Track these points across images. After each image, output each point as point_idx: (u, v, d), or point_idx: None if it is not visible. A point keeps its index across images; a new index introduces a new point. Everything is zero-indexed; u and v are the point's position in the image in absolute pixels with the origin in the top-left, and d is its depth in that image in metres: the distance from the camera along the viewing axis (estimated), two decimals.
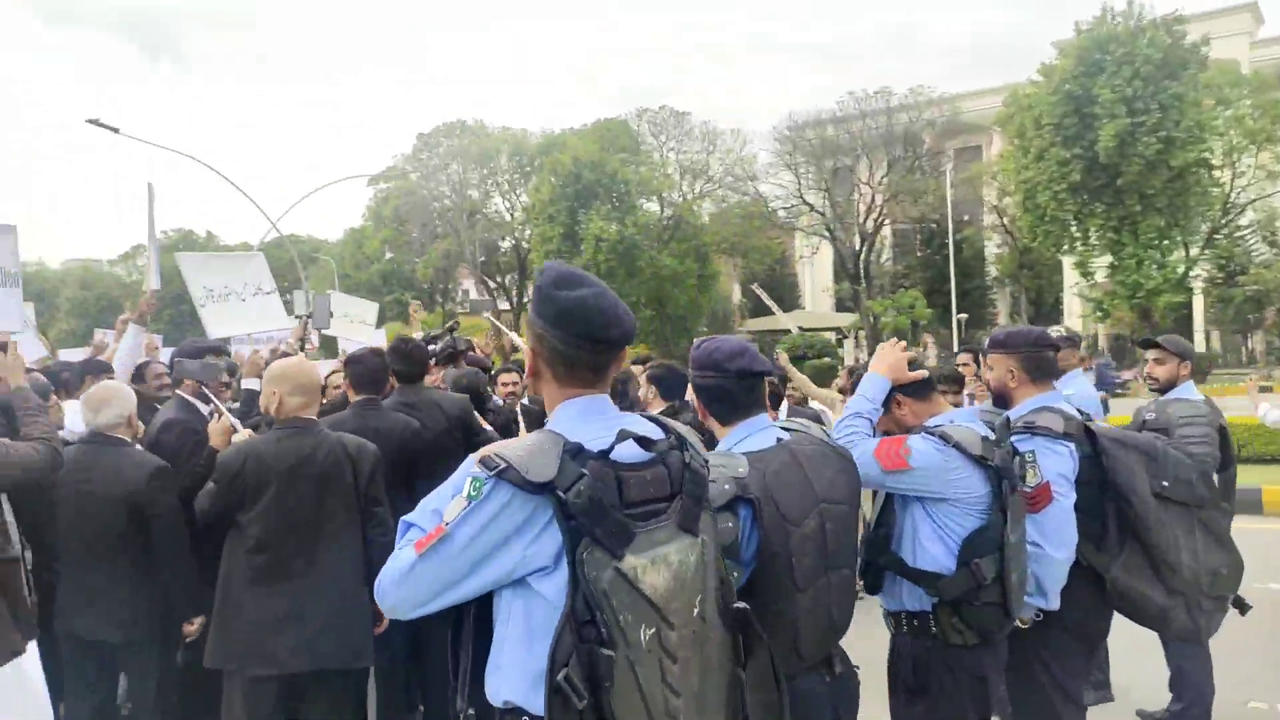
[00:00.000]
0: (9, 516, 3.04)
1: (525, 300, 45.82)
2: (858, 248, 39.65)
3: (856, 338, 33.39)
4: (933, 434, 2.41)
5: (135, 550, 3.43)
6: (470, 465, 1.53)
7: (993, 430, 2.46)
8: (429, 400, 4.13)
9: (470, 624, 1.59)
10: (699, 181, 41.11)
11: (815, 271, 48.58)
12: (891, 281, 42.19)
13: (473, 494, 1.48)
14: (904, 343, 2.72)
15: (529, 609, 1.50)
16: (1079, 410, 2.94)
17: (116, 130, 19.70)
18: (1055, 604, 2.70)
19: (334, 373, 4.87)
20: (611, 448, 1.53)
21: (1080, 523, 2.71)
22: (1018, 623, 2.65)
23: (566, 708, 1.40)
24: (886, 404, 2.61)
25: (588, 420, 1.61)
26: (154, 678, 3.55)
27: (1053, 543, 2.63)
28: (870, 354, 3.84)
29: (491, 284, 48.57)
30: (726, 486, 1.96)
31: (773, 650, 1.74)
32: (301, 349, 5.46)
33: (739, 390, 2.21)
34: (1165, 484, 2.73)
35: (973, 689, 2.44)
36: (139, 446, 3.65)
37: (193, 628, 3.47)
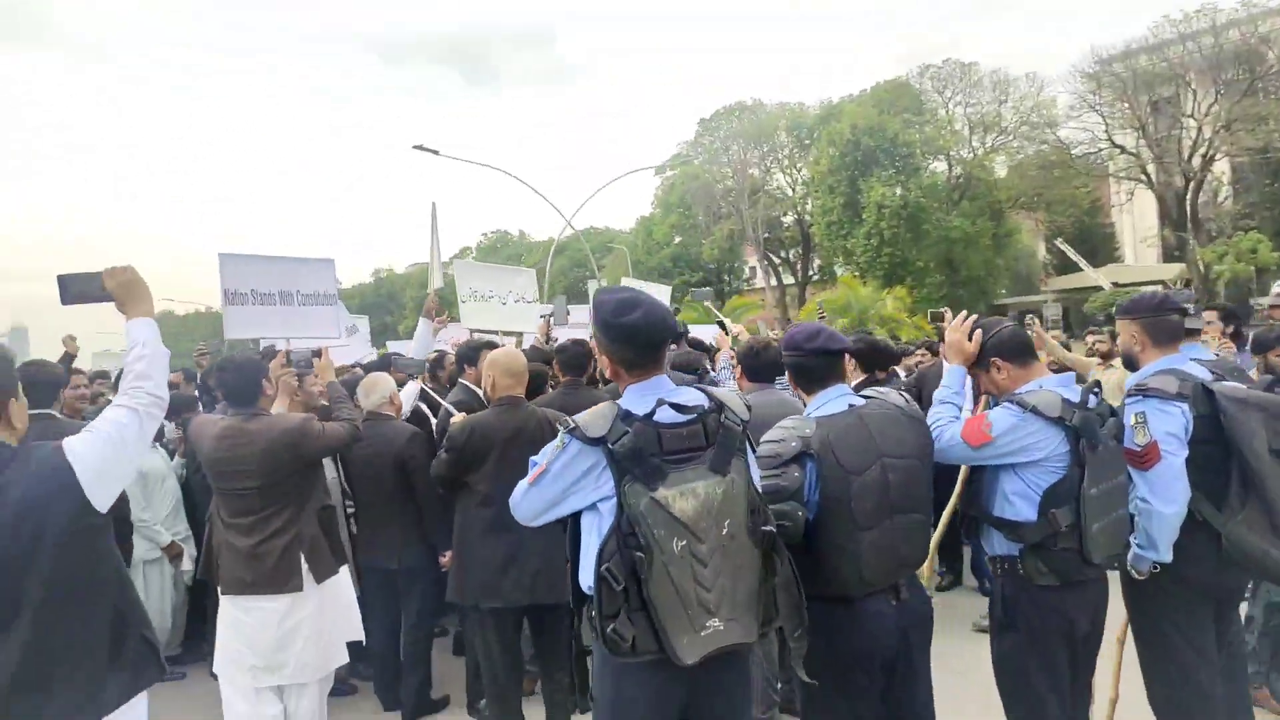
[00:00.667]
0: (330, 474, 4.16)
1: (810, 275, 45.80)
2: (1182, 189, 34.99)
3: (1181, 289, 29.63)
4: (1014, 402, 2.69)
5: (404, 498, 4.50)
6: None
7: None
8: (588, 397, 4.63)
9: (569, 535, 2.27)
10: (990, 135, 38.53)
11: (1136, 220, 43.54)
12: (1233, 223, 36.69)
13: (560, 445, 2.19)
14: (970, 316, 2.95)
15: (599, 525, 2.14)
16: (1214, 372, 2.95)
17: (437, 152, 22.73)
18: (1167, 556, 2.84)
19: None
20: (653, 412, 2.18)
21: (1201, 480, 2.81)
22: (1134, 574, 2.87)
23: (610, 592, 2.05)
24: (987, 367, 2.88)
25: (643, 395, 2.26)
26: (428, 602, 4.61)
27: (1161, 498, 2.79)
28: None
29: (775, 259, 49.04)
30: (794, 444, 2.49)
31: (839, 572, 2.39)
32: (546, 343, 6.36)
33: (816, 365, 2.72)
34: None
35: (1059, 627, 2.69)
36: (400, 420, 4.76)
37: (445, 559, 4.40)
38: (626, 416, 2.17)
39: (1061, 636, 2.70)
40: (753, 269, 49.18)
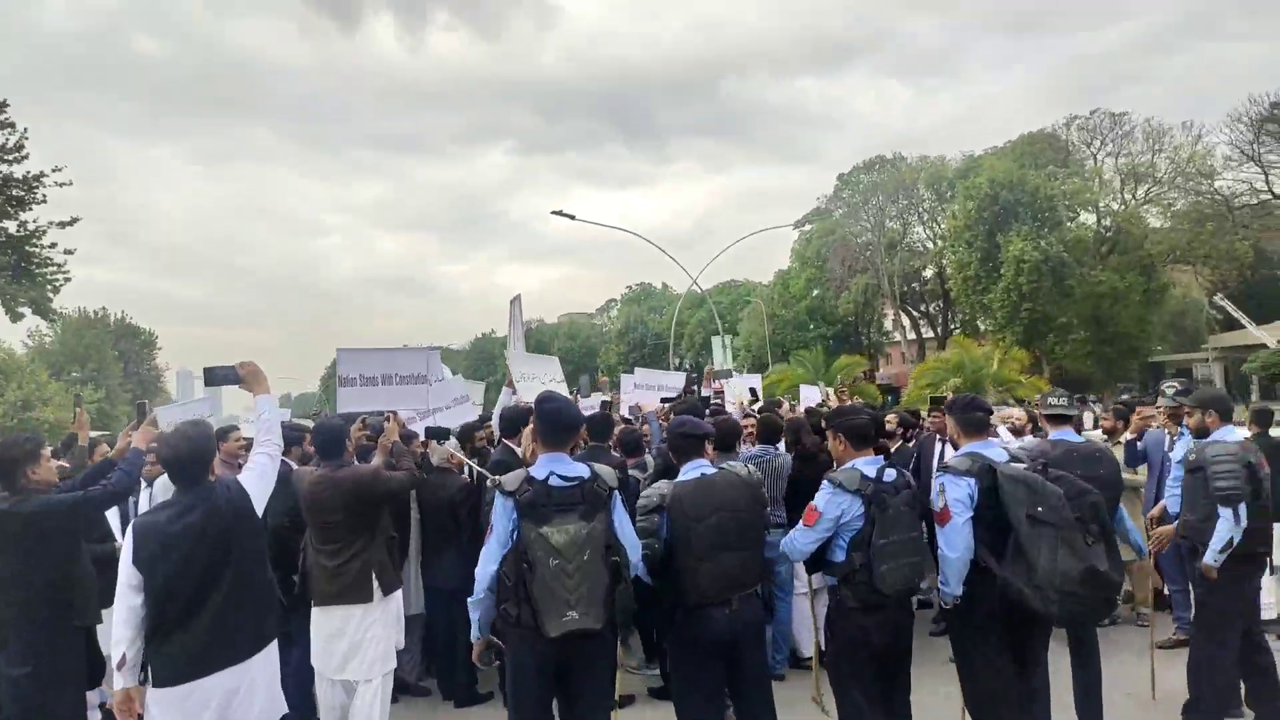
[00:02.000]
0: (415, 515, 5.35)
1: (951, 329, 44.97)
2: None
3: None
4: (831, 481, 3.71)
5: (456, 532, 5.65)
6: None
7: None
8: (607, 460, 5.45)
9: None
10: (1142, 186, 37.14)
11: None
12: None
13: (497, 497, 3.39)
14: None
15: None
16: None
17: (573, 217, 24.56)
18: (957, 590, 3.71)
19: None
20: (547, 478, 3.29)
21: (986, 536, 3.63)
22: (941, 604, 3.80)
23: (505, 586, 3.27)
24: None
25: (549, 465, 3.41)
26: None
27: (948, 547, 3.68)
28: None
29: (914, 313, 48.49)
30: (655, 500, 3.70)
31: (684, 588, 3.56)
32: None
33: (680, 445, 3.90)
34: (1039, 509, 3.46)
35: (861, 639, 3.68)
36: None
37: None
38: (530, 480, 3.34)
39: (863, 647, 3.68)
40: (890, 320, 48.82)
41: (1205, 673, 4.52)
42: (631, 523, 3.62)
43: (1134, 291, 34.40)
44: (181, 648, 3.31)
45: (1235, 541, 4.29)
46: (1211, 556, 4.32)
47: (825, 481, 3.73)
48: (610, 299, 79.62)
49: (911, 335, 48.15)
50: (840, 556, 3.67)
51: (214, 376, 3.90)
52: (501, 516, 3.34)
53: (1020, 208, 34.34)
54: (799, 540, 3.75)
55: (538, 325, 77.44)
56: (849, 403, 7.51)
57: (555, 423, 3.54)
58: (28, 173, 26.41)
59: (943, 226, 42.54)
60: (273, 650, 3.59)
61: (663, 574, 3.63)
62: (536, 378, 7.16)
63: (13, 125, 25.93)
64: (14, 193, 26.34)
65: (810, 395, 11.38)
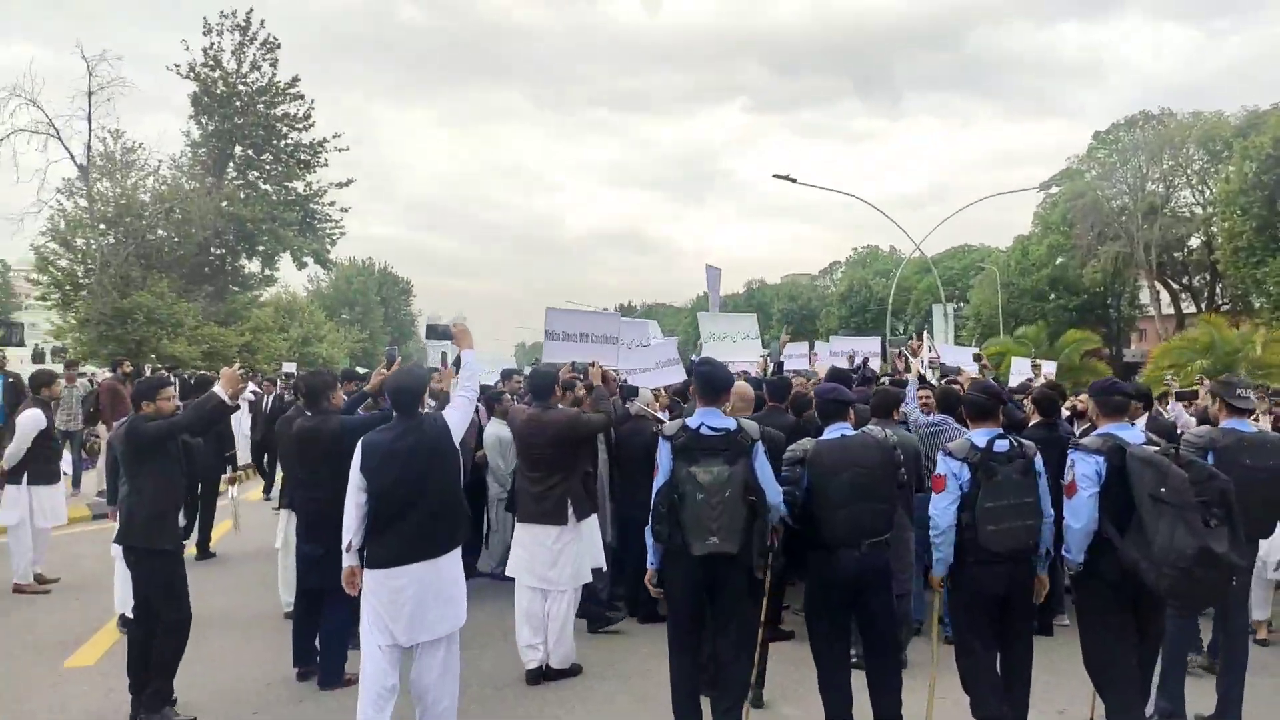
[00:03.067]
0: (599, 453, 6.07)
1: (1219, 304, 40.40)
2: None
3: None
4: (944, 450, 4.19)
5: (649, 472, 6.16)
6: None
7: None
8: (784, 421, 6.06)
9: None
10: None
11: None
12: None
13: (660, 440, 4.15)
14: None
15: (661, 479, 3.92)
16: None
17: (794, 180, 24.57)
18: (1079, 558, 3.95)
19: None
20: (699, 427, 3.89)
21: (1111, 511, 3.78)
22: (1068, 570, 4.07)
23: (659, 513, 3.92)
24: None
25: (702, 417, 4.10)
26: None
27: (1072, 517, 3.92)
28: None
29: (1176, 286, 43.91)
30: (798, 453, 4.28)
31: (820, 531, 4.10)
32: (766, 375, 7.90)
33: (826, 409, 4.48)
34: (1162, 489, 3.55)
35: (975, 588, 4.08)
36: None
37: None
38: (685, 428, 4.02)
39: (976, 595, 4.08)
40: (1151, 294, 44.40)
41: None
42: (775, 472, 4.12)
43: None
44: (393, 539, 4.15)
45: None
46: None
47: (940, 451, 4.22)
48: (835, 261, 78.20)
49: (1170, 310, 43.71)
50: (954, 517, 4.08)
51: (433, 332, 4.95)
52: (663, 456, 4.03)
53: None
54: (937, 505, 4.07)
55: (759, 285, 77.54)
56: (988, 377, 8.00)
57: (708, 383, 4.22)
58: (314, 139, 30.16)
59: (1214, 190, 38.10)
60: (458, 554, 4.34)
61: (801, 519, 4.15)
62: (728, 336, 7.67)
63: (303, 97, 29.65)
64: (302, 157, 30.19)
65: (1021, 369, 11.19)
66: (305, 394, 5.82)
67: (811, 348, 11.58)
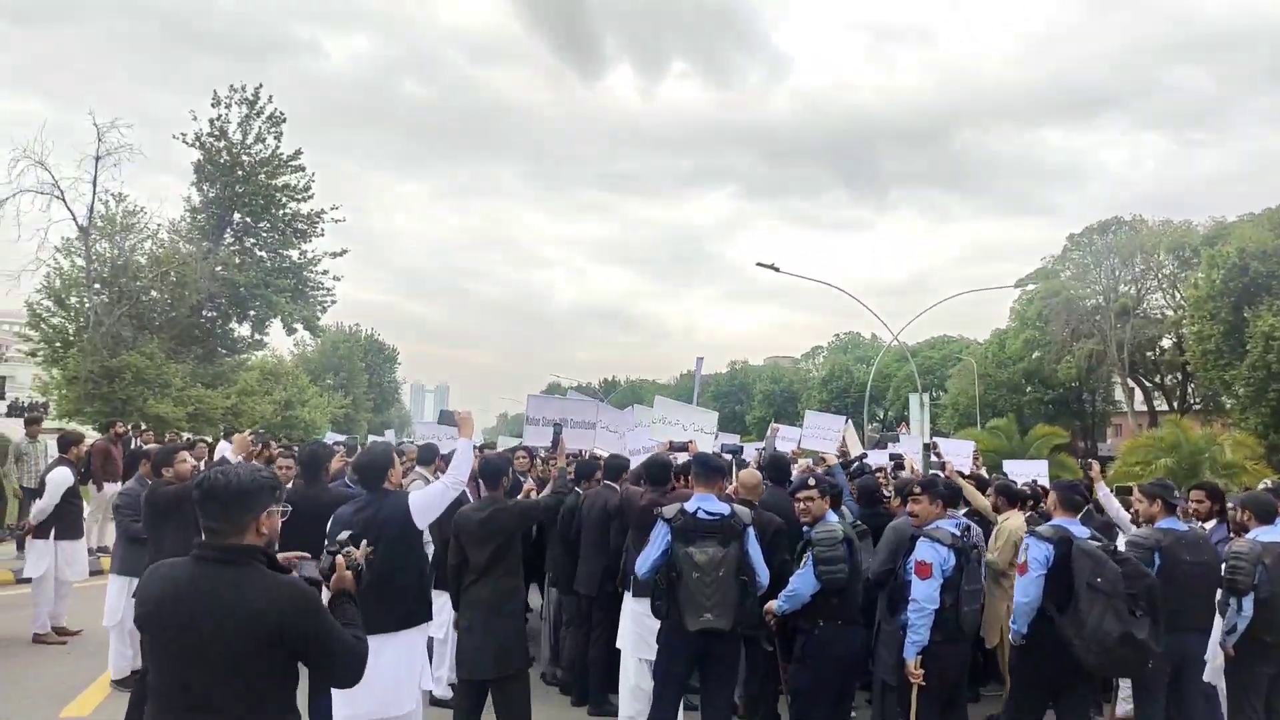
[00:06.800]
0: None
1: (1190, 404, 41.36)
2: None
3: None
4: (929, 537, 4.57)
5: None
6: None
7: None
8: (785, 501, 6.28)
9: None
10: None
11: None
12: None
13: (658, 522, 4.63)
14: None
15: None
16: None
17: (777, 269, 25.33)
18: (1023, 630, 4.46)
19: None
20: (696, 511, 4.29)
21: (1054, 593, 4.25)
22: (1012, 642, 4.50)
23: (658, 588, 4.27)
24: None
25: (699, 501, 4.59)
26: None
27: (1020, 594, 4.46)
28: None
29: (1148, 384, 44.93)
30: (840, 532, 4.67)
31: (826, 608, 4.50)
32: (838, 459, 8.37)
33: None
34: (1099, 580, 4.06)
35: (940, 671, 4.47)
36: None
37: None
38: (683, 512, 4.47)
39: (937, 676, 4.46)
40: (1124, 391, 45.33)
41: None
42: (764, 553, 4.60)
43: None
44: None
45: None
46: None
47: (922, 539, 4.55)
48: (817, 345, 79.39)
49: (1143, 407, 44.61)
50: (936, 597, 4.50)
51: (444, 417, 5.39)
52: (659, 536, 4.48)
53: (1274, 280, 31.32)
54: (923, 590, 4.42)
55: (742, 366, 78.41)
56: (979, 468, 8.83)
57: (705, 468, 4.73)
58: (311, 210, 30.86)
59: (1183, 295, 39.38)
60: (413, 635, 4.26)
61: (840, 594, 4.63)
62: (679, 423, 7.83)
63: (303, 168, 30.44)
64: (300, 226, 30.82)
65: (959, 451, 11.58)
66: (303, 465, 6.04)
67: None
